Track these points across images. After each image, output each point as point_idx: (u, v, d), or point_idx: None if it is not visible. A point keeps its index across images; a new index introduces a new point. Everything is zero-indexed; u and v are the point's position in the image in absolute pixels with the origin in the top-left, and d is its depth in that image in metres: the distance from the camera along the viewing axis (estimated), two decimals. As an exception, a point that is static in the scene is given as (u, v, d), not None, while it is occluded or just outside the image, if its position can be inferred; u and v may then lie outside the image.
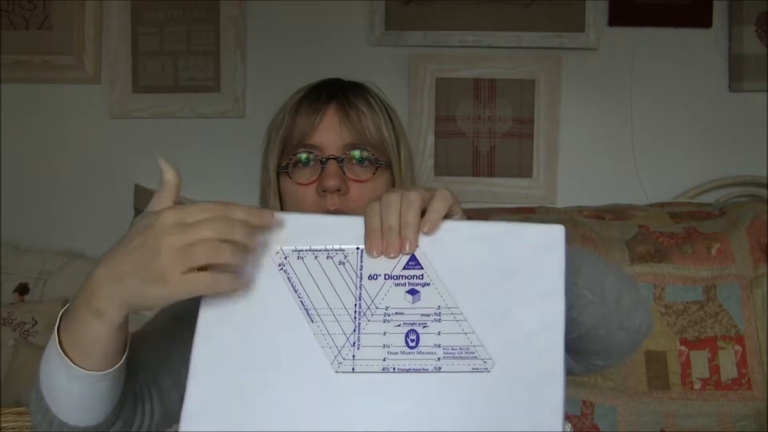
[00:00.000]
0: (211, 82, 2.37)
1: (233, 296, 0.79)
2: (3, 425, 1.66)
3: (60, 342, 0.79)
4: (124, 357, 0.82)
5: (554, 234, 0.80)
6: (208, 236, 0.73)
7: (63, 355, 0.78)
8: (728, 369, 1.91)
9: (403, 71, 2.34)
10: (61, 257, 2.21)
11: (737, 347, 1.92)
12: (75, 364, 0.78)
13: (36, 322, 2.01)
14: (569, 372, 0.97)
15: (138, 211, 2.28)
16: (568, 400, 1.05)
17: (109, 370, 0.80)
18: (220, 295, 0.78)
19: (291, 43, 2.36)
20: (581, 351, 0.94)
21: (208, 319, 0.80)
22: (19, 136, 2.39)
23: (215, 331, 0.79)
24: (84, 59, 2.38)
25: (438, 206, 0.80)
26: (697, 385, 1.90)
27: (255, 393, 0.76)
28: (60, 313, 0.81)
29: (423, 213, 0.80)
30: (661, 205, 2.21)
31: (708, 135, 2.32)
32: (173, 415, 0.95)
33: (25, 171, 2.40)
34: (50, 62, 2.38)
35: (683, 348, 1.93)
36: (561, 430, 0.74)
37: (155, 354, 0.95)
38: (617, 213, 2.14)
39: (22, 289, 2.14)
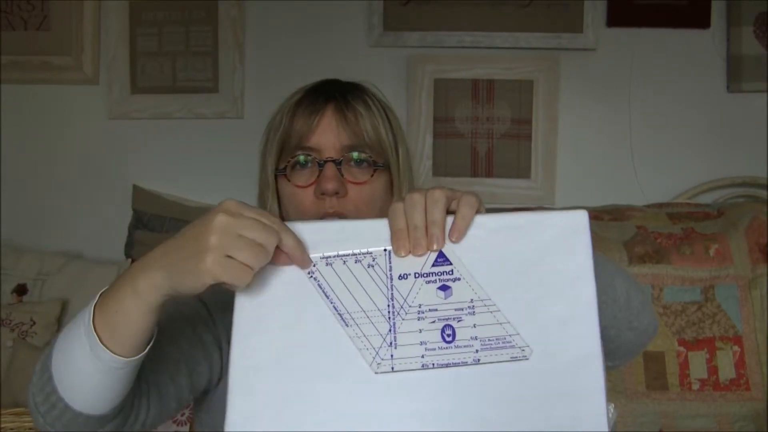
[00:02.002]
0: (209, 83, 2.37)
1: (267, 306, 0.80)
2: (2, 426, 1.66)
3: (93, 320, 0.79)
4: (148, 348, 0.81)
5: (578, 218, 0.81)
6: (253, 237, 0.75)
7: (93, 331, 0.77)
8: (726, 370, 1.91)
9: (402, 72, 2.34)
10: (59, 258, 2.21)
11: (735, 348, 1.92)
12: (102, 343, 0.77)
13: (34, 323, 2.01)
14: None
15: (136, 212, 2.28)
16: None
17: (132, 358, 0.79)
18: (248, 305, 0.79)
19: (289, 44, 2.36)
20: None
21: (242, 332, 0.80)
22: (17, 137, 2.39)
23: (251, 344, 0.79)
24: (82, 60, 2.38)
25: (465, 213, 0.81)
26: (696, 386, 1.90)
27: (298, 402, 0.76)
28: (100, 292, 0.81)
29: (447, 212, 0.81)
30: (660, 205, 2.21)
31: (706, 136, 2.33)
32: (168, 412, 0.95)
33: (24, 172, 2.39)
34: (49, 63, 2.38)
35: (681, 349, 1.93)
36: (605, 411, 0.74)
37: (159, 349, 0.93)
38: (615, 214, 2.14)
39: (21, 290, 2.13)
